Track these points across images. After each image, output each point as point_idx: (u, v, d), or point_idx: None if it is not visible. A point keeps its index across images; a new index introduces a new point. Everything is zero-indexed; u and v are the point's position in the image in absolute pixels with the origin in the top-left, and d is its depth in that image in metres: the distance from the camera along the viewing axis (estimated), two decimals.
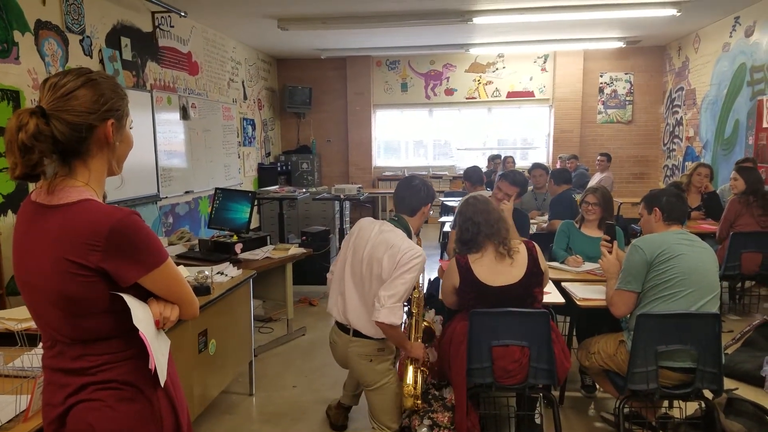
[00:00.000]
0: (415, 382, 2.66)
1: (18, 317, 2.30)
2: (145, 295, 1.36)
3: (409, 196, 2.76)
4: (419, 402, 2.67)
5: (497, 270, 2.60)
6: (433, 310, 3.15)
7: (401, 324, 2.59)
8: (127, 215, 1.27)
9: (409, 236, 2.69)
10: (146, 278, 1.31)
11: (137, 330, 1.29)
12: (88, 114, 1.28)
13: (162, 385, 1.37)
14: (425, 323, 2.84)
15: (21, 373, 1.88)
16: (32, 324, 2.19)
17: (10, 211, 4.05)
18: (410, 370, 2.67)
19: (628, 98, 9.55)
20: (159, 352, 1.35)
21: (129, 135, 1.42)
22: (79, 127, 1.27)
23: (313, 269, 5.59)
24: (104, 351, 1.32)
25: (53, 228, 1.26)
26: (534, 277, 2.61)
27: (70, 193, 1.28)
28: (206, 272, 2.97)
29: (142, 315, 1.31)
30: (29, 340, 2.08)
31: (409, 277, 2.51)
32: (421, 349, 2.70)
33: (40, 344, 1.97)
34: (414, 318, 2.78)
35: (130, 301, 1.29)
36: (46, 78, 1.29)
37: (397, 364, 2.84)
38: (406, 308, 2.70)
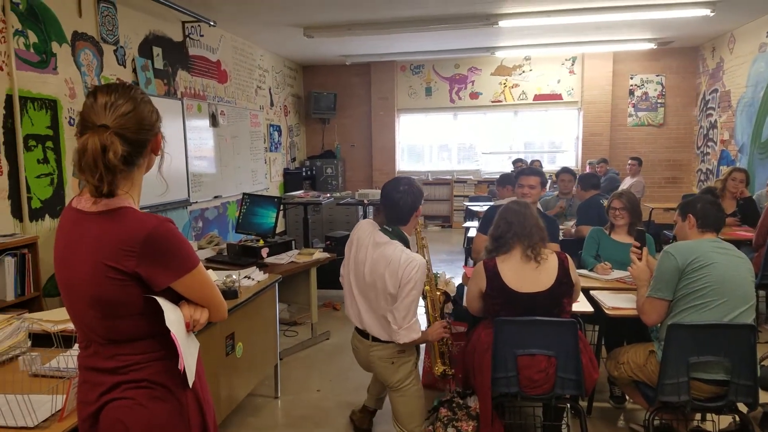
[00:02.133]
0: (443, 358, 2.81)
1: (54, 319, 2.35)
2: (176, 299, 1.41)
3: (398, 205, 2.64)
4: (450, 371, 2.79)
5: (525, 275, 2.57)
6: (443, 272, 3.12)
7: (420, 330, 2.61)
8: (162, 223, 1.33)
9: (406, 244, 2.64)
10: (178, 283, 1.36)
11: (168, 332, 1.33)
12: (148, 131, 1.37)
13: (190, 385, 1.41)
14: (439, 293, 2.83)
15: (57, 373, 1.92)
16: (68, 326, 2.25)
17: (47, 216, 4.17)
18: (437, 350, 2.78)
19: (659, 101, 9.37)
20: (188, 353, 1.39)
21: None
22: (141, 142, 1.36)
23: (336, 274, 5.57)
24: (136, 351, 1.36)
25: (93, 234, 1.32)
26: (564, 287, 2.57)
27: (111, 201, 1.33)
28: (234, 276, 3.02)
29: (173, 317, 1.35)
30: (65, 341, 2.13)
31: (415, 292, 2.51)
32: (439, 329, 2.72)
33: (76, 345, 2.04)
34: (429, 297, 2.79)
35: (162, 303, 1.34)
36: (92, 92, 1.35)
37: (421, 362, 2.89)
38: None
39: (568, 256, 2.67)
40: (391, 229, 2.67)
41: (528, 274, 2.58)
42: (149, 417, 1.36)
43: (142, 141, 1.36)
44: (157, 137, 1.42)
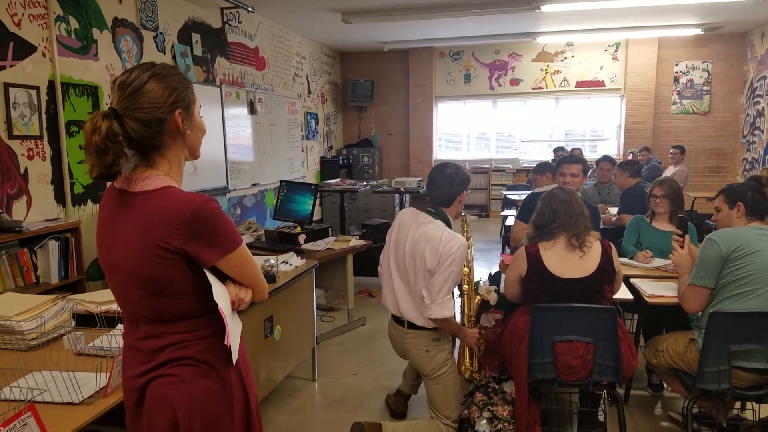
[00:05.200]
0: (472, 360, 2.77)
1: (97, 300, 2.43)
2: (221, 279, 1.42)
3: (443, 187, 2.69)
4: (476, 375, 2.77)
5: (567, 262, 2.54)
6: (487, 280, 3.10)
7: (454, 314, 2.61)
8: (207, 201, 1.33)
9: (449, 226, 2.66)
10: (223, 261, 1.37)
11: (213, 311, 1.35)
12: (156, 109, 1.33)
13: (234, 362, 1.43)
14: (478, 297, 2.82)
15: (100, 352, 1.99)
16: (111, 306, 2.32)
17: (89, 201, 4.32)
18: (467, 351, 2.75)
19: (705, 88, 9.05)
20: (233, 330, 1.41)
21: (199, 121, 1.47)
22: (149, 122, 1.33)
23: (373, 261, 5.56)
24: (182, 330, 1.39)
25: (139, 213, 1.33)
26: (606, 274, 2.53)
27: (154, 181, 1.35)
28: (272, 261, 3.07)
29: (220, 292, 1.37)
30: (108, 321, 2.20)
31: (454, 269, 2.52)
32: (475, 336, 2.72)
33: (119, 325, 2.10)
34: (466, 296, 2.79)
35: (210, 277, 1.35)
36: (115, 78, 1.36)
37: (456, 351, 2.87)
38: (457, 292, 2.69)
39: (612, 245, 2.62)
40: (434, 210, 2.71)
41: (571, 261, 2.54)
42: (193, 394, 1.38)
43: (154, 120, 1.33)
44: (174, 114, 1.36)
